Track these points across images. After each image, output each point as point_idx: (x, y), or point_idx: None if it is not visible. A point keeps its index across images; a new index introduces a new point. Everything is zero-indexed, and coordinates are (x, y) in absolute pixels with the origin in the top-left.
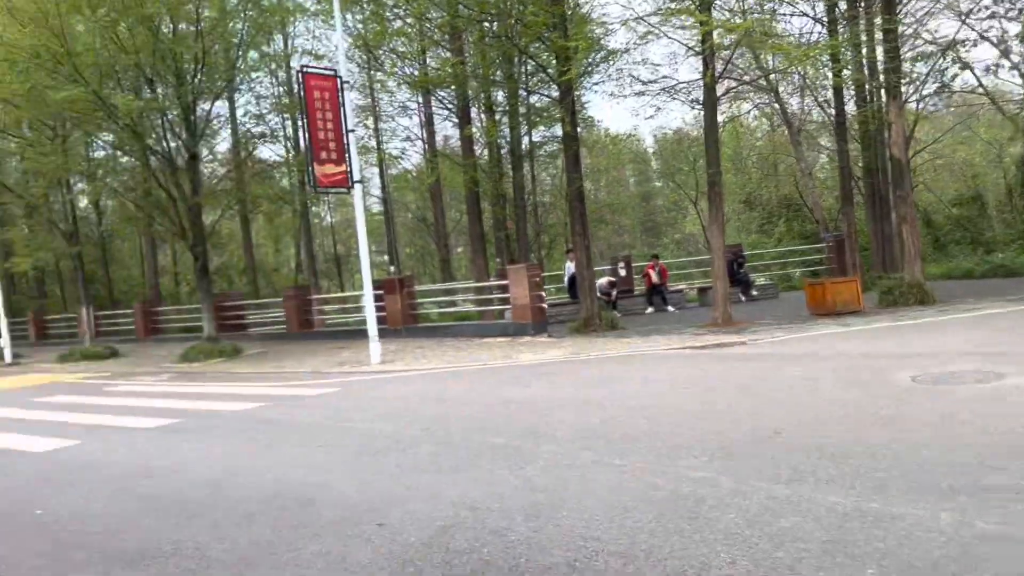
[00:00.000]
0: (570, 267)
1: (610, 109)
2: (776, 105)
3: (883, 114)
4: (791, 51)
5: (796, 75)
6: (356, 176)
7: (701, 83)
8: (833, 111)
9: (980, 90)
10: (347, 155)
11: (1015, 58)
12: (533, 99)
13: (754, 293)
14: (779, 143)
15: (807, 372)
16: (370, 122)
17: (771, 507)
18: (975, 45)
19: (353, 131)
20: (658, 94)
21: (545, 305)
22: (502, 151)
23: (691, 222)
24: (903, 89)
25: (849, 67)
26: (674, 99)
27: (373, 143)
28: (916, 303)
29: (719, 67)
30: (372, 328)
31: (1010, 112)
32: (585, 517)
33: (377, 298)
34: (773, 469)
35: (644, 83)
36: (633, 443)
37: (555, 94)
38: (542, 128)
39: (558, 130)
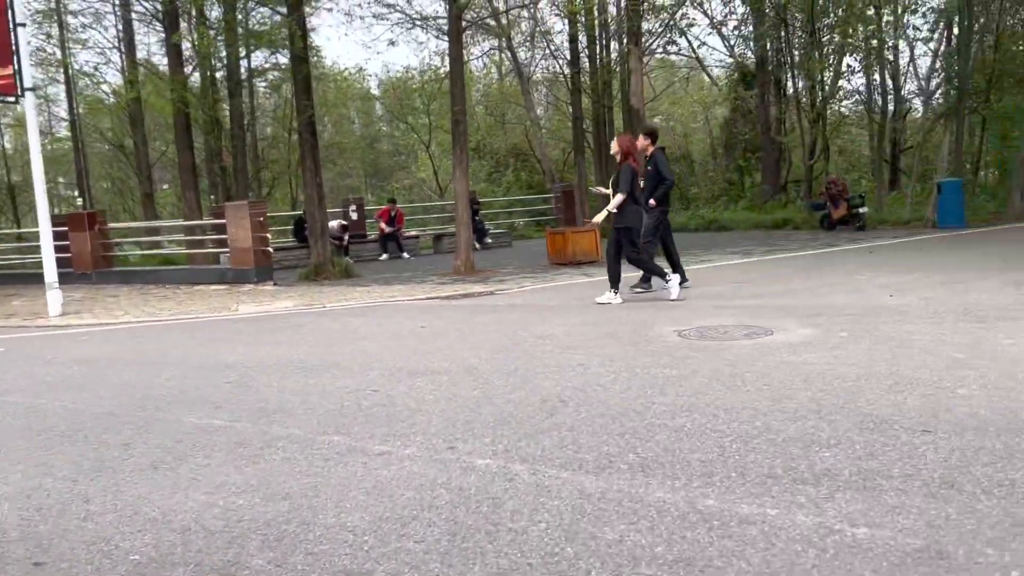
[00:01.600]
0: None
1: (339, 42)
2: (508, 53)
3: (615, 66)
4: None
5: (528, 20)
6: (27, 82)
7: (446, 13)
8: (568, 60)
9: (692, 55)
10: (15, 56)
11: (725, 31)
12: (256, 17)
13: (488, 241)
14: (508, 92)
15: (568, 326)
16: (55, 31)
17: (587, 510)
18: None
19: (23, 25)
20: (398, 23)
21: (271, 249)
22: (217, 74)
23: (422, 167)
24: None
25: (582, 14)
26: (415, 27)
27: (59, 54)
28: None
29: None
30: (50, 272)
31: (717, 78)
32: (349, 540)
33: (60, 236)
34: (573, 452)
35: (386, 6)
36: (395, 421)
37: (282, 9)
38: (263, 52)
39: (282, 57)
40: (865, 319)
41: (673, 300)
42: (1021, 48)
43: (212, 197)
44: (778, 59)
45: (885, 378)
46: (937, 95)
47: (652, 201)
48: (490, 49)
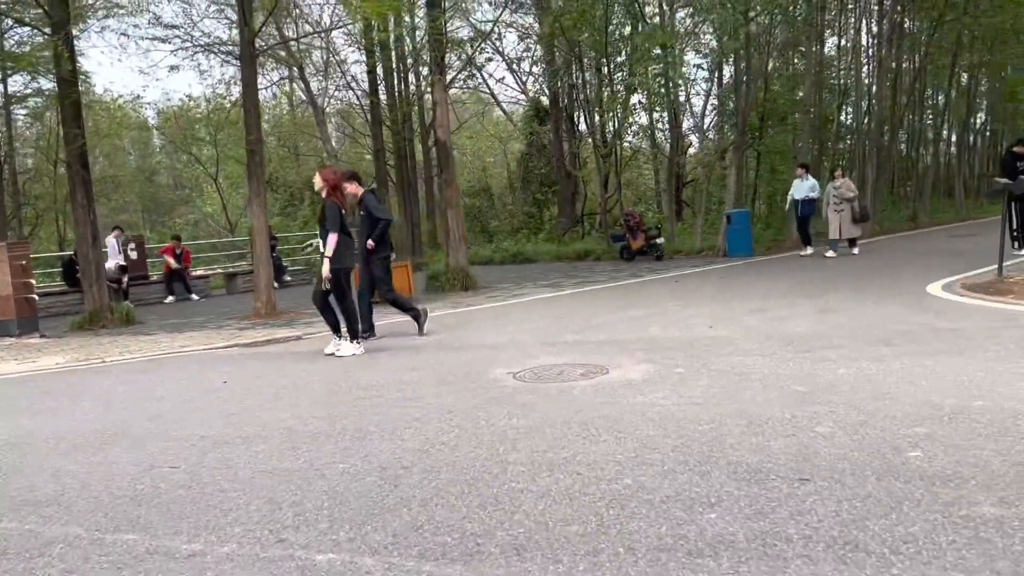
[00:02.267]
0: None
1: (111, 67)
2: (300, 83)
3: (414, 97)
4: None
5: (321, 50)
6: None
7: (236, 37)
8: (366, 91)
9: (487, 92)
10: None
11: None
12: (13, 38)
13: (287, 279)
14: (302, 123)
15: (395, 373)
16: None
17: None
18: (500, 38)
19: None
20: (182, 47)
21: (35, 296)
22: None
23: (209, 201)
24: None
25: (378, 46)
26: (200, 52)
27: None
28: (462, 288)
29: (260, 19)
30: None
31: (512, 113)
32: None
33: None
34: (431, 534)
35: (168, 27)
36: (206, 508)
37: (46, 29)
38: (23, 76)
39: (45, 82)
40: (695, 352)
41: (343, 355)
42: (781, 90)
43: None
44: (571, 96)
45: (737, 418)
46: (710, 132)
47: (371, 242)
48: (280, 79)
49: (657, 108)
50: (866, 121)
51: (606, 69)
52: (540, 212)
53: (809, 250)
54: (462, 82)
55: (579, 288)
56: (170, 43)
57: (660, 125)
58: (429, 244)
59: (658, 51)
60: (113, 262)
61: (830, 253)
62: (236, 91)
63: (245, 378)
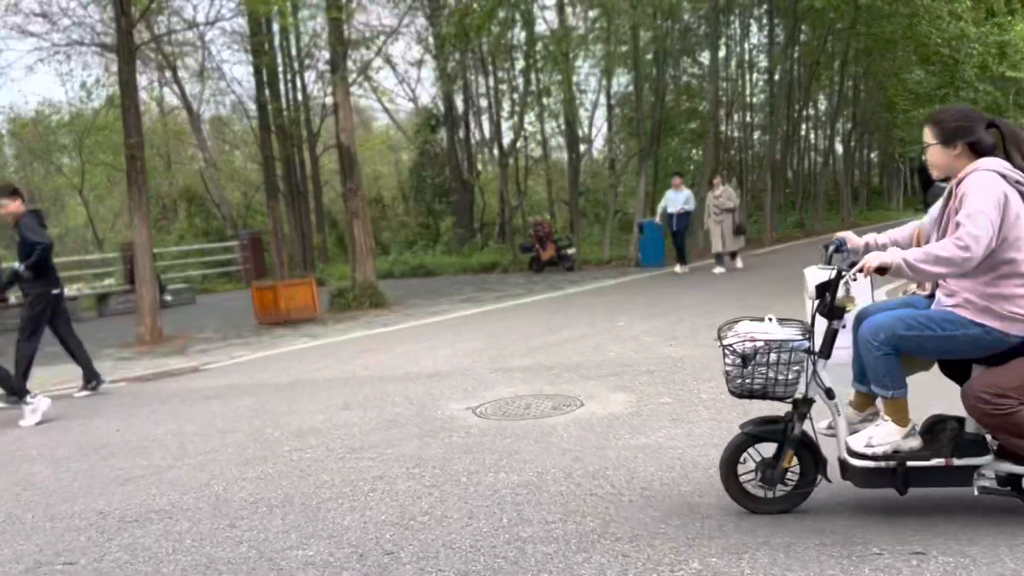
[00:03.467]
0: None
1: None
2: (174, 87)
3: (309, 100)
4: None
5: (198, 50)
6: None
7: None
8: (254, 95)
9: (376, 98)
10: None
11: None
12: None
13: (167, 299)
14: (174, 130)
15: (327, 412)
16: None
17: None
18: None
19: None
20: (41, 47)
21: None
22: None
23: (74, 214)
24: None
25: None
26: (68, 48)
27: None
28: (372, 306)
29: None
30: None
31: (402, 123)
32: None
33: None
34: None
35: (27, 18)
36: None
37: None
38: None
39: None
40: (670, 377)
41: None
42: (673, 100)
43: None
44: (466, 103)
45: None
46: (612, 140)
47: (23, 269)
48: (150, 82)
49: (554, 116)
50: (755, 132)
51: (504, 74)
52: (436, 223)
53: (683, 268)
54: (356, 85)
55: (502, 303)
56: (29, 39)
57: (556, 132)
58: (318, 259)
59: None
60: None
61: (719, 269)
62: (100, 94)
63: (141, 425)
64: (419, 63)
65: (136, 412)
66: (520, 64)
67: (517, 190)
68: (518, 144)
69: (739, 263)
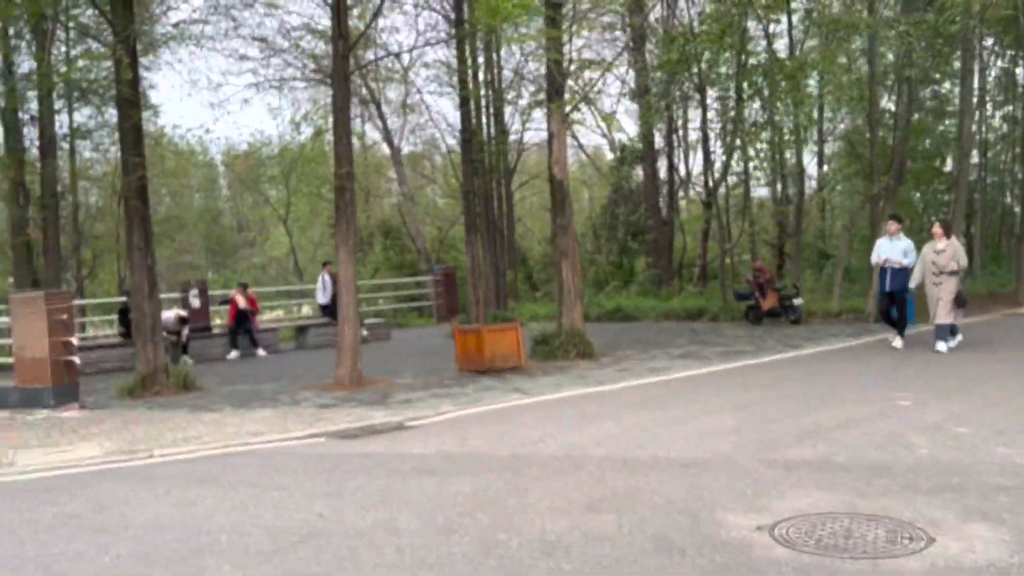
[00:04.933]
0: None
1: (180, 102)
2: (377, 121)
3: (517, 130)
4: None
5: (399, 84)
6: None
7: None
8: (459, 128)
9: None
10: None
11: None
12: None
13: (364, 333)
14: (373, 163)
15: (556, 509)
16: None
17: None
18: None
19: None
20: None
21: (75, 359)
22: (24, 129)
23: (276, 244)
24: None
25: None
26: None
27: None
28: (578, 356)
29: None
30: None
31: (603, 164)
32: None
33: None
34: None
35: (242, 59)
36: None
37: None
38: (89, 108)
39: (113, 114)
40: None
41: None
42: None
43: (11, 281)
44: (668, 139)
45: None
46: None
47: None
48: (352, 117)
49: (774, 151)
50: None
51: (718, 105)
52: (630, 263)
53: (900, 341)
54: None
55: (731, 362)
56: (245, 75)
57: (767, 167)
58: (510, 297)
59: (812, 81)
60: (172, 312)
61: (942, 346)
62: (307, 130)
63: (345, 508)
64: (620, 96)
65: (341, 486)
66: (732, 93)
67: (728, 232)
68: (728, 179)
69: (897, 343)
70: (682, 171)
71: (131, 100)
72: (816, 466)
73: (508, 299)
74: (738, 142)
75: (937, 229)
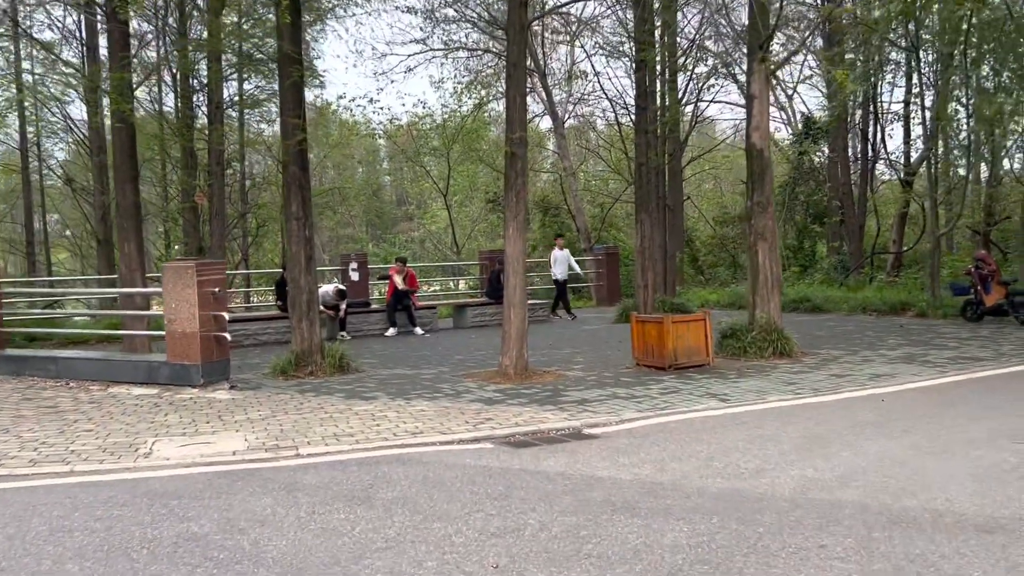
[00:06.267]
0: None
1: (345, 72)
2: (542, 92)
3: (676, 106)
4: None
5: (563, 58)
6: None
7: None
8: (633, 97)
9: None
10: None
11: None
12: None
13: (550, 314)
14: (534, 136)
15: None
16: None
17: None
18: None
19: None
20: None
21: (226, 334)
22: (195, 94)
23: (434, 219)
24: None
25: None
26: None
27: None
28: (775, 354)
29: None
30: None
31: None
32: None
33: None
34: None
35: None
36: None
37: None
38: (256, 78)
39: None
40: None
41: None
42: None
43: (176, 248)
44: (864, 110)
45: None
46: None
47: None
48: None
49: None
50: None
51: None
52: (811, 247)
53: None
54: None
55: (968, 371)
56: (406, 46)
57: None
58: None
59: None
60: (331, 286)
61: None
62: (468, 103)
63: (532, 554)
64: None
65: (519, 521)
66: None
67: (936, 216)
68: (937, 156)
69: None
70: (878, 147)
71: (292, 56)
72: None
73: (675, 283)
74: (958, 113)
75: None
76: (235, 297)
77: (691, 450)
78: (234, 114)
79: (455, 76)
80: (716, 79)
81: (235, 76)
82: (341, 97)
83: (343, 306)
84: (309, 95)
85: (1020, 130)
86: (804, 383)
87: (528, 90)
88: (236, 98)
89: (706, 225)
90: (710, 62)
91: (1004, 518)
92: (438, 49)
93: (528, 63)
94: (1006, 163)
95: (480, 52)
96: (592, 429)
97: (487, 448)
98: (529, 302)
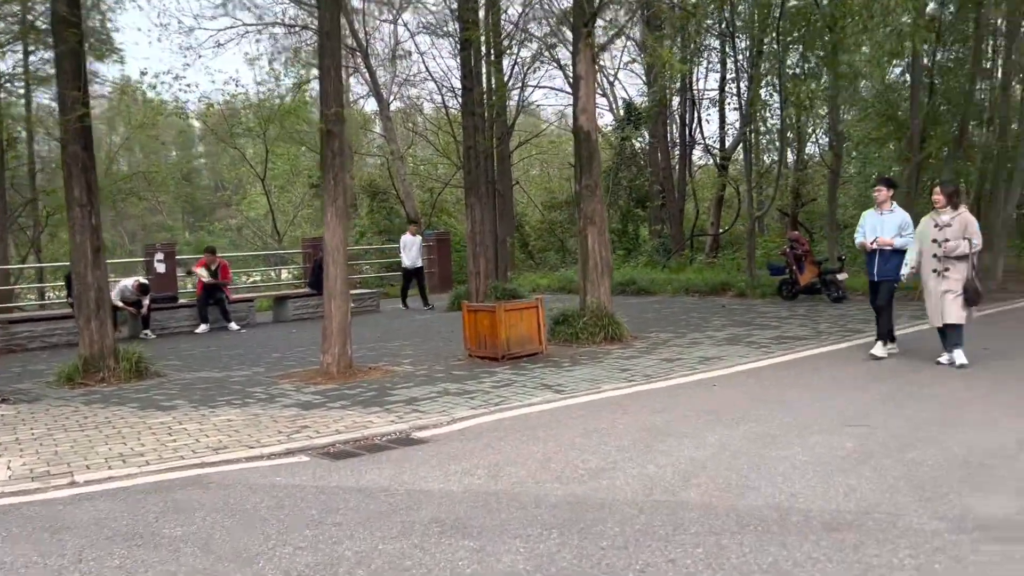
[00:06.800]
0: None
1: (148, 46)
2: (364, 73)
3: (504, 90)
4: None
5: (384, 38)
6: None
7: None
8: (460, 74)
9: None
10: None
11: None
12: None
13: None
14: (358, 119)
15: None
16: None
17: None
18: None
19: None
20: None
21: None
22: None
23: (252, 205)
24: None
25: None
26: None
27: None
28: (606, 339)
29: None
30: None
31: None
32: None
33: None
34: None
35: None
36: None
37: None
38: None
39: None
40: None
41: None
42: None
43: None
44: (682, 96)
45: None
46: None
47: None
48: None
49: (803, 108)
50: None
51: (742, 57)
52: (635, 231)
53: (887, 348)
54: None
55: (792, 351)
56: (217, 20)
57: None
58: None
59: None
60: (132, 279)
61: (945, 358)
62: (287, 81)
63: None
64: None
65: (333, 553)
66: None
67: (751, 198)
68: (751, 140)
69: (957, 355)
70: (696, 132)
71: (66, 18)
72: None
73: (507, 269)
74: (771, 98)
75: (938, 195)
76: (28, 293)
77: (527, 451)
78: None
79: (271, 53)
80: (541, 62)
81: (18, 47)
82: (144, 73)
83: (146, 301)
84: (109, 70)
85: (824, 115)
86: (637, 369)
87: (352, 70)
88: (20, 71)
89: (535, 210)
90: (535, 46)
91: (849, 512)
92: (251, 24)
93: (350, 42)
94: (810, 148)
95: (298, 28)
96: (421, 432)
97: (302, 462)
98: (356, 291)
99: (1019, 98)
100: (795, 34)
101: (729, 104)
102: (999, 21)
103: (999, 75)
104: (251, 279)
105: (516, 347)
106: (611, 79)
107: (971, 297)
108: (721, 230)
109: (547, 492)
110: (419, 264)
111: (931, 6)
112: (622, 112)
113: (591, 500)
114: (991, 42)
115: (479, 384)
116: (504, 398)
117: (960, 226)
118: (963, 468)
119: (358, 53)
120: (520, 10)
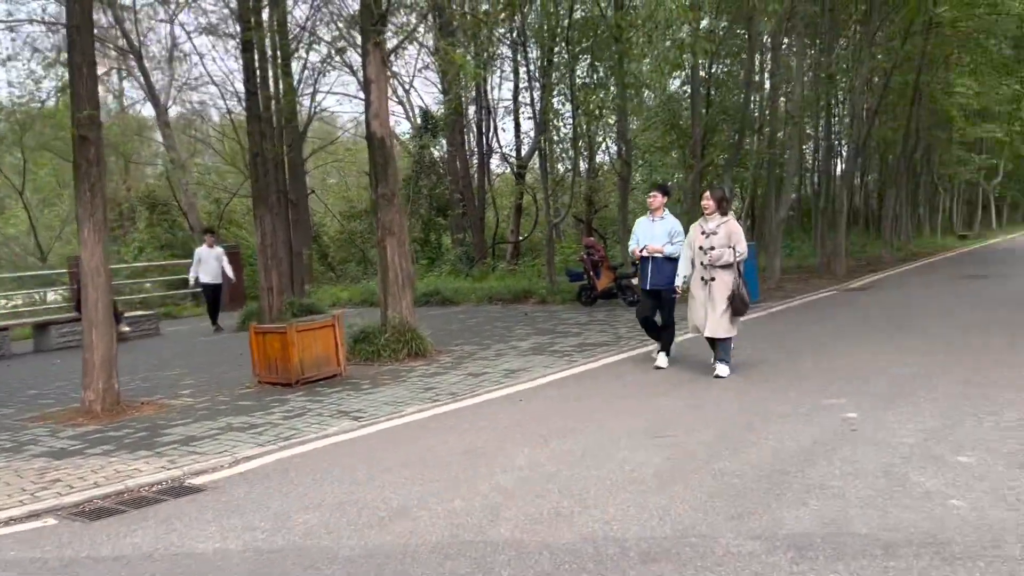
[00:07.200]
0: None
1: None
2: (138, 77)
3: (294, 95)
4: None
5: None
6: None
7: None
8: (243, 83)
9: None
10: None
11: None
12: None
13: (125, 329)
14: (133, 126)
15: None
16: None
17: None
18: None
19: None
20: None
21: None
22: None
23: (11, 221)
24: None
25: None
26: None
27: None
28: (410, 355)
29: None
30: None
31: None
32: None
33: None
34: None
35: None
36: None
37: None
38: None
39: None
40: None
41: None
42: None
43: None
44: (477, 105)
45: None
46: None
47: None
48: (107, 70)
49: (593, 118)
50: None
51: (533, 67)
52: (436, 240)
53: (664, 359)
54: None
55: (594, 359)
56: None
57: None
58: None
59: (684, 31)
60: None
61: (723, 369)
62: (50, 84)
63: None
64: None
65: None
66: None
67: (549, 206)
68: (548, 149)
69: (722, 367)
70: (492, 141)
71: None
72: (831, 542)
73: (304, 282)
74: (564, 107)
75: (707, 200)
76: None
77: (320, 494)
78: None
79: (31, 55)
80: (332, 66)
81: None
82: None
83: None
84: None
85: (613, 124)
86: (441, 387)
87: (124, 73)
88: None
89: (334, 220)
90: (324, 49)
91: (666, 537)
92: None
93: (122, 43)
94: (601, 156)
95: (59, 26)
96: (197, 478)
97: (47, 527)
98: (133, 314)
99: (784, 109)
100: (583, 44)
101: (523, 113)
102: (764, 38)
103: (768, 88)
104: (11, 303)
105: (311, 370)
106: (407, 87)
107: (738, 307)
108: (521, 237)
109: (341, 544)
110: (219, 280)
111: (705, 21)
112: (419, 120)
113: (392, 549)
114: (759, 57)
115: (268, 415)
116: (296, 430)
117: (725, 234)
118: (767, 479)
119: (131, 55)
120: (307, 12)
